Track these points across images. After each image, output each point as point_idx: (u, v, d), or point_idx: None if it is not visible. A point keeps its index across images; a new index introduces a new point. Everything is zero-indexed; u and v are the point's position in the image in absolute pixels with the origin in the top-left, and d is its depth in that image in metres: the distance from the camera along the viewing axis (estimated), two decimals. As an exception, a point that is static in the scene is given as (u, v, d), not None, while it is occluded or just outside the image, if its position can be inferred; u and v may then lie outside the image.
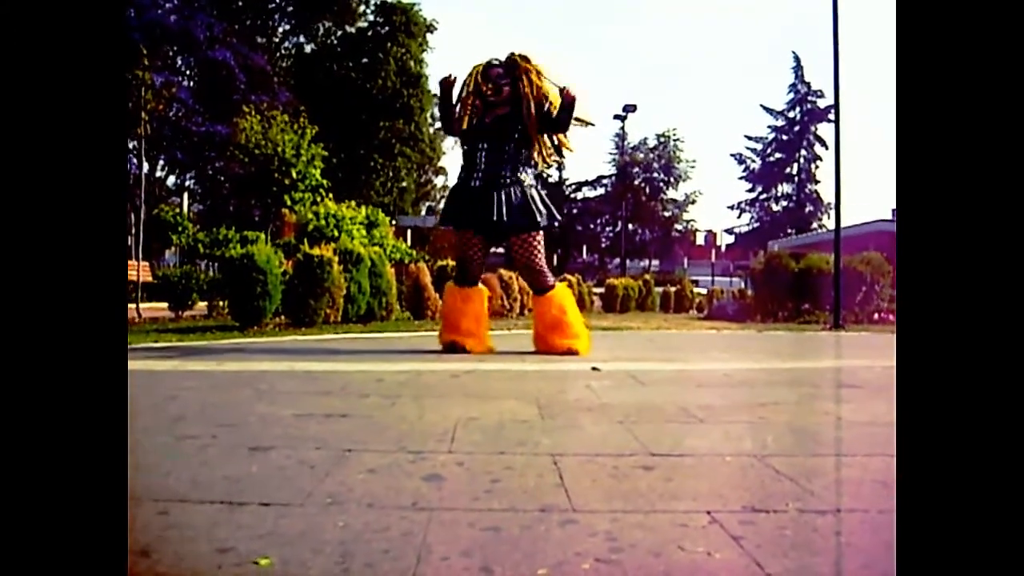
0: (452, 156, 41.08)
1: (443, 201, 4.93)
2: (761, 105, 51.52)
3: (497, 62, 4.73)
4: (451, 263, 10.19)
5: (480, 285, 4.83)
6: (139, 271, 10.97)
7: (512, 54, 4.75)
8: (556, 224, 4.75)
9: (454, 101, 4.76)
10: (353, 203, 17.17)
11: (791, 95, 50.73)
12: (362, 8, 35.11)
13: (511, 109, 4.64)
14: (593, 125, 5.10)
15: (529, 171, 4.67)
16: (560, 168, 50.92)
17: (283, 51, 35.68)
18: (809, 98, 50.04)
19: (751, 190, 51.45)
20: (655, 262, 44.73)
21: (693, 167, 47.05)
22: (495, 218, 4.51)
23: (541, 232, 4.66)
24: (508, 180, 4.55)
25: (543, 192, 4.76)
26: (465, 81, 4.73)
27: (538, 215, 4.59)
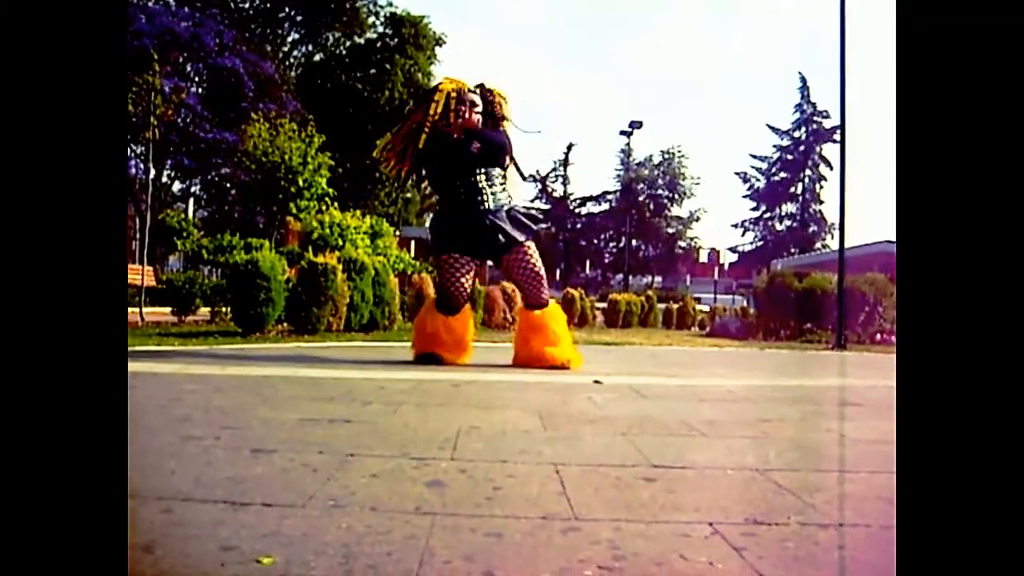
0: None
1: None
2: (767, 124, 51.83)
3: (470, 88, 4.84)
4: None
5: (467, 307, 4.83)
6: (143, 275, 10.93)
7: (483, 85, 4.92)
8: (539, 228, 4.95)
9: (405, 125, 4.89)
10: (358, 213, 17.18)
11: (797, 115, 50.98)
12: (371, 19, 35.31)
13: (483, 136, 4.73)
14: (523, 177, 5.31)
15: (503, 191, 4.79)
16: (565, 183, 51.31)
17: (292, 60, 35.87)
18: (815, 118, 50.26)
19: (755, 209, 51.62)
20: (658, 278, 44.76)
21: (698, 184, 47.36)
22: (498, 237, 4.64)
23: (533, 243, 4.81)
24: (495, 201, 4.69)
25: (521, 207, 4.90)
26: (432, 100, 4.76)
27: (532, 224, 4.79)
